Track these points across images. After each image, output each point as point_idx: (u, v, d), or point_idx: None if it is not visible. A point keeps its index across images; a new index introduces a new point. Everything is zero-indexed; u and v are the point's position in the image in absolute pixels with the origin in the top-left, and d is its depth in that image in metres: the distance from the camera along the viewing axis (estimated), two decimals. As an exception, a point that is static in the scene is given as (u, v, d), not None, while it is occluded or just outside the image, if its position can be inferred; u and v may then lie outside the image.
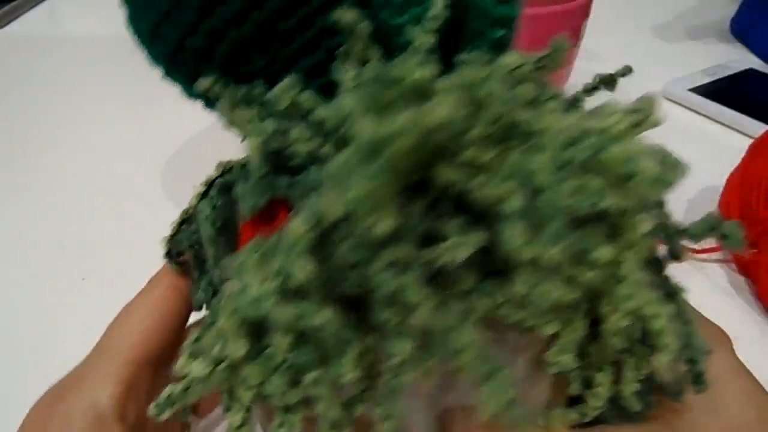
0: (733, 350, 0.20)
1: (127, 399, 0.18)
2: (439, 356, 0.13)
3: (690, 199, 0.40)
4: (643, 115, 0.13)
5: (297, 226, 0.12)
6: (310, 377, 0.13)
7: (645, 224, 0.13)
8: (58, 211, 0.39)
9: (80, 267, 0.34)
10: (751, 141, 0.37)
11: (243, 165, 0.17)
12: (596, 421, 0.17)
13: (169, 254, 0.19)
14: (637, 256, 0.13)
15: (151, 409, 0.14)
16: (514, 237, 0.12)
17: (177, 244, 0.19)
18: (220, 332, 0.14)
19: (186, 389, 0.14)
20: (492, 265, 0.13)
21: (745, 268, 0.34)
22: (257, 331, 0.13)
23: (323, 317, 0.13)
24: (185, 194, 0.41)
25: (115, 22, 0.74)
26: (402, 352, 0.13)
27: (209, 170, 0.37)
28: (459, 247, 0.12)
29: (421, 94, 0.12)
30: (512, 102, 0.13)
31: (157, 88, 0.57)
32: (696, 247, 0.35)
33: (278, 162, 0.15)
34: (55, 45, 0.61)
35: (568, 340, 0.14)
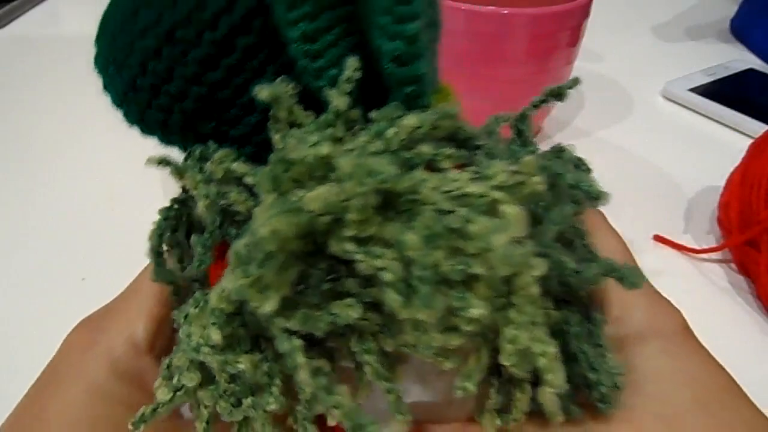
0: (680, 331, 0.20)
1: (157, 334, 0.21)
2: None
3: (690, 199, 0.40)
4: (523, 178, 0.15)
5: (213, 299, 0.16)
6: (246, 403, 0.17)
7: (536, 270, 0.15)
8: (57, 211, 0.39)
9: (80, 267, 0.34)
10: (751, 141, 0.37)
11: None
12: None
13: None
14: (527, 299, 0.15)
15: (129, 425, 0.17)
16: (392, 301, 0.14)
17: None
18: (176, 367, 0.18)
19: (154, 410, 0.17)
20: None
21: (745, 268, 0.34)
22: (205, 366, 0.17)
23: (240, 365, 0.17)
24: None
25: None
26: (304, 393, 0.17)
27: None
28: (349, 309, 0.16)
29: (320, 168, 0.15)
30: (395, 176, 0.15)
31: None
32: (696, 246, 0.35)
33: (226, 216, 0.18)
34: (55, 45, 0.61)
35: (471, 369, 0.17)
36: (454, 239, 0.14)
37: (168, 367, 0.18)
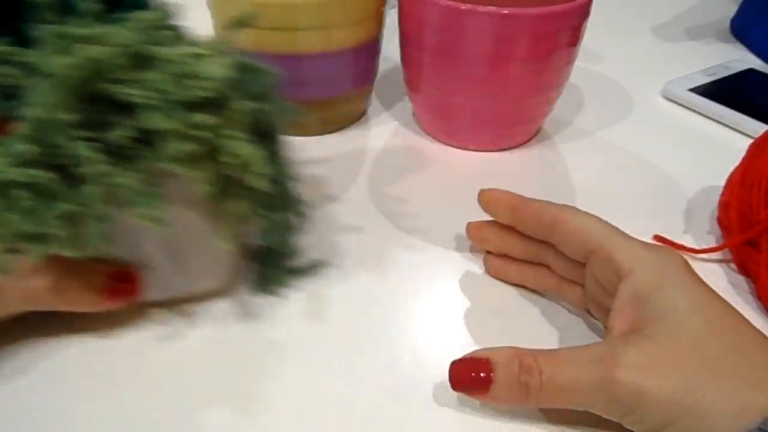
0: (682, 267, 0.25)
1: None
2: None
3: (690, 199, 0.40)
4: (222, 45, 0.25)
5: (20, 128, 0.23)
6: (45, 213, 0.23)
7: (244, 106, 0.25)
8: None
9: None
10: (751, 141, 0.37)
11: None
12: None
13: None
14: (239, 124, 0.24)
15: None
16: (153, 118, 0.23)
17: None
18: None
19: None
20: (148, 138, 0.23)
21: (745, 268, 0.34)
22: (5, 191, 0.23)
23: (36, 176, 0.23)
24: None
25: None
26: (91, 198, 0.23)
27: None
28: (124, 129, 0.23)
29: (88, 40, 0.23)
30: (146, 41, 0.23)
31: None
32: (696, 246, 0.35)
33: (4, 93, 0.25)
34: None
35: (203, 178, 0.25)
36: (187, 77, 0.23)
37: None
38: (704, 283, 0.25)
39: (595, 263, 0.27)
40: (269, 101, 0.27)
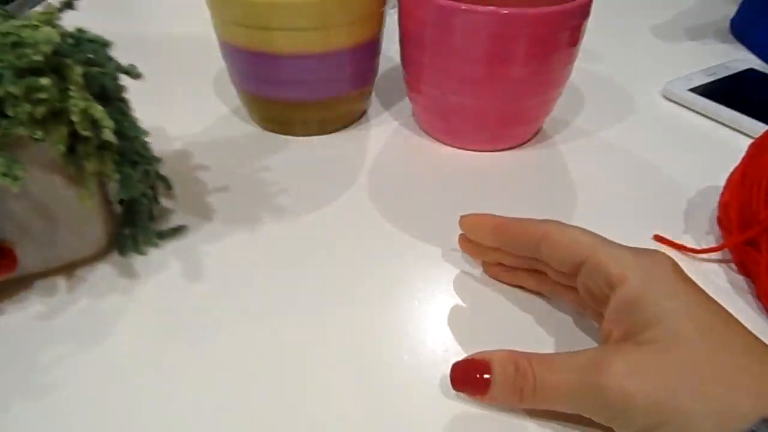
0: (672, 271, 0.25)
1: None
2: None
3: (690, 199, 0.40)
4: (51, 16, 0.27)
5: None
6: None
7: (81, 69, 0.27)
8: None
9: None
10: (751, 141, 0.36)
11: None
12: None
13: None
14: (79, 86, 0.27)
15: None
16: None
17: None
18: None
19: None
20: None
21: (745, 268, 0.34)
22: None
23: None
24: (185, 190, 0.41)
25: (115, 22, 0.75)
26: None
27: (209, 168, 0.38)
28: None
29: None
30: None
31: (156, 87, 0.57)
32: (696, 246, 0.35)
33: None
34: (55, 45, 0.61)
35: (55, 139, 0.27)
36: (21, 46, 0.25)
37: None
38: (695, 286, 0.25)
39: (586, 274, 0.27)
40: (106, 65, 0.30)
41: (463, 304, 0.32)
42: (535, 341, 0.30)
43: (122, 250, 0.34)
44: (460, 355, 0.28)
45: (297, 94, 0.43)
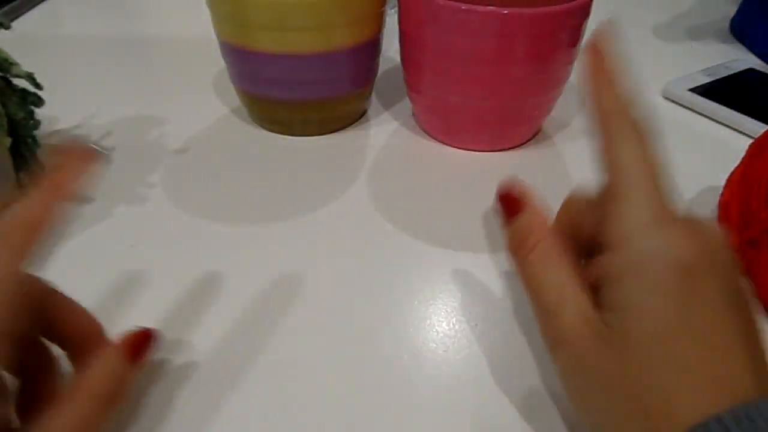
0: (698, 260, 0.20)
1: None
2: None
3: (690, 199, 0.40)
4: None
5: None
6: None
7: None
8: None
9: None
10: (751, 141, 0.36)
11: None
12: None
13: None
14: None
15: None
16: None
17: None
18: None
19: None
20: None
21: (745, 268, 0.34)
22: None
23: None
24: (185, 191, 0.41)
25: (115, 22, 0.75)
26: None
27: (209, 168, 0.38)
28: None
29: None
30: None
31: (156, 88, 0.57)
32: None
33: None
34: (55, 45, 0.61)
35: None
36: None
37: None
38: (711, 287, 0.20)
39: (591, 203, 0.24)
40: None
41: (463, 304, 0.32)
42: (536, 341, 0.30)
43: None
44: (460, 355, 0.28)
45: (297, 94, 0.43)
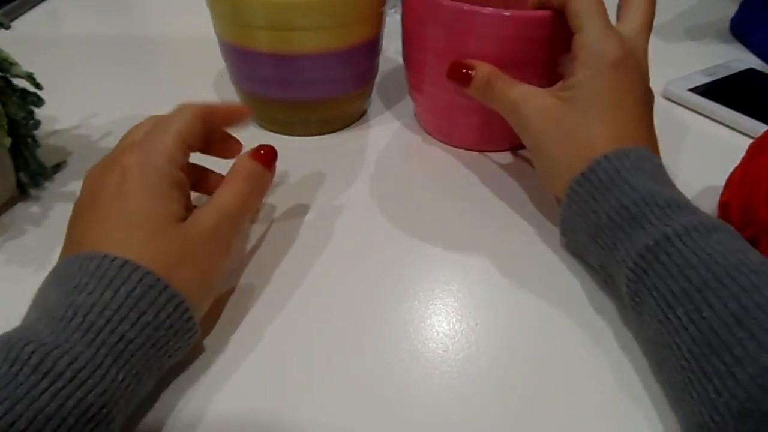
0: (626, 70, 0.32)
1: (181, 152, 0.29)
2: None
3: (690, 199, 0.40)
4: None
5: None
6: None
7: None
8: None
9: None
10: (751, 141, 0.36)
11: None
12: None
13: None
14: None
15: None
16: None
17: None
18: None
19: None
20: None
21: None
22: None
23: None
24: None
25: (115, 22, 0.75)
26: None
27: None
28: None
29: None
30: None
31: (156, 88, 0.57)
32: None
33: None
34: (55, 45, 0.61)
35: None
36: None
37: None
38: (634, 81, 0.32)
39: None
40: None
41: (463, 304, 0.32)
42: (538, 341, 0.30)
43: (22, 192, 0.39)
44: (460, 355, 0.28)
45: (297, 94, 0.43)
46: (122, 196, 0.26)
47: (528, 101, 0.34)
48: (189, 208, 0.29)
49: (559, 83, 0.34)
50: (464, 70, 0.37)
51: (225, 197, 0.29)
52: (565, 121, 0.32)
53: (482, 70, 0.36)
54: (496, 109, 0.36)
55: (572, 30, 0.33)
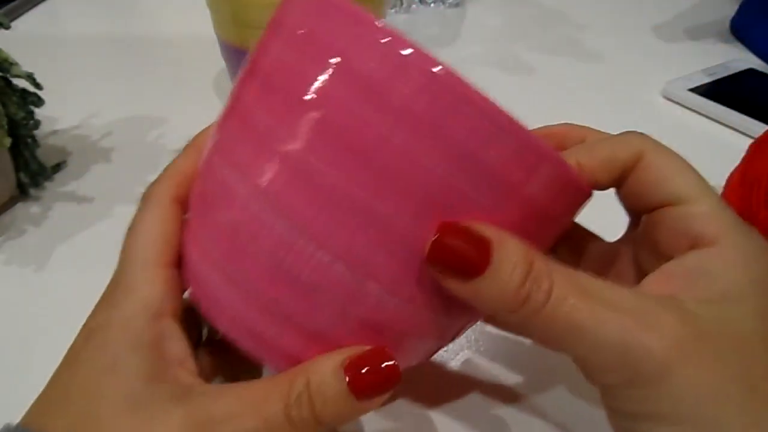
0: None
1: (169, 296, 0.20)
2: None
3: (690, 199, 0.40)
4: None
5: None
6: None
7: None
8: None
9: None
10: (751, 141, 0.36)
11: None
12: None
13: None
14: None
15: None
16: None
17: None
18: None
19: None
20: None
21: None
22: None
23: None
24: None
25: (115, 22, 0.75)
26: None
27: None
28: None
29: None
30: None
31: (156, 88, 0.57)
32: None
33: None
34: (55, 45, 0.61)
35: None
36: None
37: None
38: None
39: (664, 218, 0.21)
40: None
41: (463, 304, 0.32)
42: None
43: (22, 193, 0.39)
44: (460, 355, 0.28)
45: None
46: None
47: (648, 321, 0.17)
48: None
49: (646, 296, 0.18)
50: (469, 250, 0.17)
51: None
52: (736, 365, 0.17)
53: (510, 250, 0.17)
54: (537, 335, 0.19)
55: (645, 200, 0.23)
